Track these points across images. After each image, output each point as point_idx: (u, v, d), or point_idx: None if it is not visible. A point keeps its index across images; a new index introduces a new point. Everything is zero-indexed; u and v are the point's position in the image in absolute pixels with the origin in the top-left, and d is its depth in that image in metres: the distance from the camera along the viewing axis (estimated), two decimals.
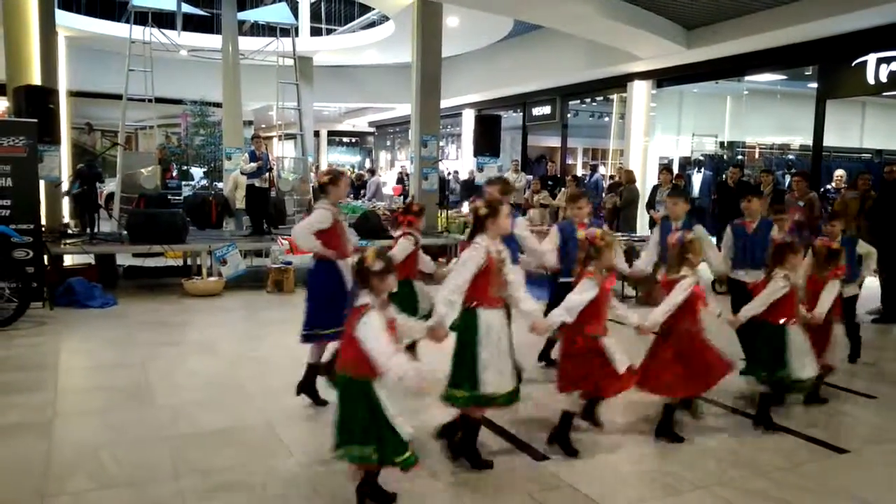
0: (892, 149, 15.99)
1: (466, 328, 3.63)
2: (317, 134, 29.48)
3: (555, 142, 19.99)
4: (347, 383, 3.13)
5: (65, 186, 9.45)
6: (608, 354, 3.84)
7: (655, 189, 11.28)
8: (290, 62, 14.48)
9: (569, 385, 3.96)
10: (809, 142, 12.35)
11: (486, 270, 3.57)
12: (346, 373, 3.13)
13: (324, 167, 27.26)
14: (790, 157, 16.31)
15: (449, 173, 17.77)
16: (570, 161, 20.82)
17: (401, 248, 4.96)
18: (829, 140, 12.49)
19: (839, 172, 11.98)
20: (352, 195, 19.26)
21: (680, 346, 4.09)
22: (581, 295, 3.82)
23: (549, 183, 14.17)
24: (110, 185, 14.36)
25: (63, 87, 12.83)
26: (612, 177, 15.54)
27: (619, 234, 9.83)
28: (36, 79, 8.93)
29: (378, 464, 3.13)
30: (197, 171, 17.57)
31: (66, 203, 10.77)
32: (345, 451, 3.09)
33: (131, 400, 4.77)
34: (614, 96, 17.44)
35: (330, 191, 4.57)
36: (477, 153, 12.07)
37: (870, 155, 16.51)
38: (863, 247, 5.90)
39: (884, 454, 4.19)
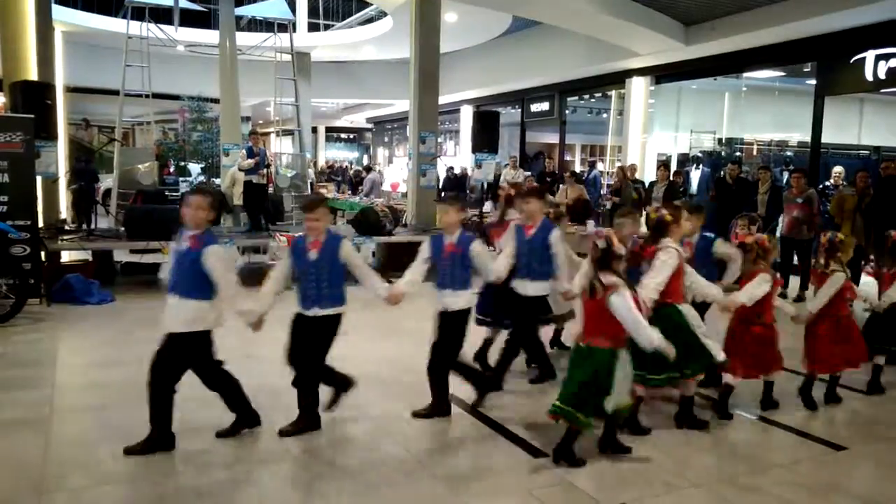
0: (890, 145, 15.99)
1: (672, 321, 4.04)
2: (315, 130, 29.45)
3: (553, 138, 19.98)
4: (591, 352, 3.65)
5: (63, 183, 9.44)
6: (777, 340, 4.58)
7: (652, 185, 11.28)
8: (287, 58, 14.44)
9: (744, 369, 4.51)
10: (808, 138, 12.36)
11: (679, 271, 4.12)
12: (590, 343, 3.65)
13: (322, 163, 27.27)
14: (788, 153, 16.31)
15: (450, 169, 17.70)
16: (568, 157, 20.81)
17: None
18: (828, 137, 12.49)
19: (837, 169, 11.98)
20: (349, 191, 19.29)
21: (836, 330, 4.78)
22: (759, 288, 4.43)
23: (548, 179, 14.15)
24: (107, 182, 14.32)
25: (60, 82, 12.74)
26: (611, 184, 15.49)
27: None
28: (33, 74, 8.89)
29: (585, 426, 3.68)
30: (194, 167, 17.49)
31: (62, 198, 10.73)
32: (565, 411, 3.64)
33: (129, 396, 4.74)
34: (613, 93, 17.42)
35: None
36: (475, 149, 12.04)
37: (868, 152, 16.51)
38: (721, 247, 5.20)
39: (881, 451, 4.20)
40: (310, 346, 4.10)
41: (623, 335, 3.61)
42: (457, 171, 18.73)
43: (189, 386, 3.85)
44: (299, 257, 4.10)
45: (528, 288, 4.89)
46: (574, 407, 3.64)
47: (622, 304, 3.52)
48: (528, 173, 15.49)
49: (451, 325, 4.36)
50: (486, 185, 14.78)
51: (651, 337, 3.55)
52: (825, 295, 4.74)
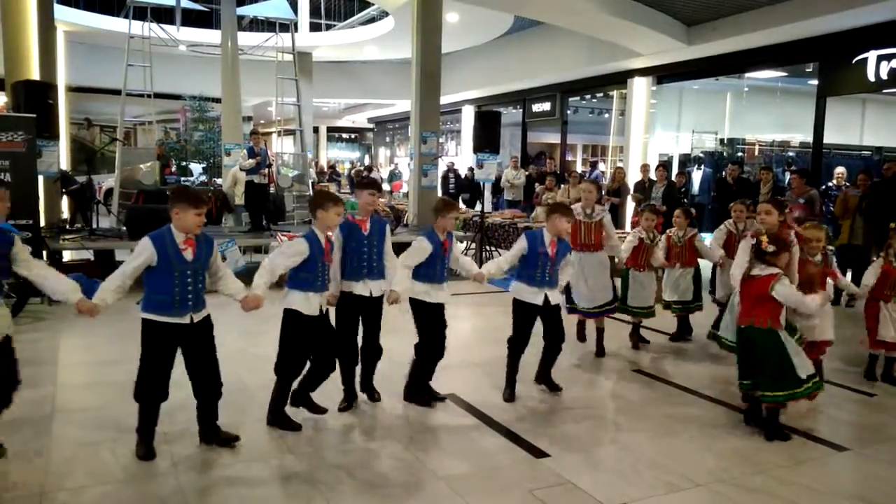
0: (893, 146, 15.97)
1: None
2: (316, 130, 29.44)
3: (554, 138, 19.97)
4: (760, 333, 4.19)
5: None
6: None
7: (651, 186, 11.27)
8: (289, 58, 14.44)
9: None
10: (809, 139, 12.35)
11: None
12: (759, 325, 4.18)
13: (323, 163, 27.28)
14: (790, 154, 16.30)
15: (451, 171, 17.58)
16: (569, 158, 20.80)
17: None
18: (830, 137, 12.48)
19: (839, 169, 11.96)
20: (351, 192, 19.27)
21: None
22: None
23: (554, 181, 14.13)
24: (109, 181, 14.33)
25: (62, 82, 12.79)
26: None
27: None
28: (34, 74, 8.90)
29: (783, 403, 4.22)
30: (196, 167, 17.54)
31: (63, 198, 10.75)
32: (780, 398, 4.17)
33: (130, 396, 4.74)
34: (614, 93, 17.42)
35: None
36: (476, 150, 12.04)
37: (870, 152, 16.50)
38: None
39: (883, 452, 4.19)
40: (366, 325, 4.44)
41: (780, 315, 4.22)
42: (462, 171, 18.17)
43: (189, 385, 3.85)
44: (352, 235, 4.32)
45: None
46: (780, 389, 4.16)
47: (786, 290, 4.15)
48: (528, 173, 15.50)
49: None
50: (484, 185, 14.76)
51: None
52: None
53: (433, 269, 4.52)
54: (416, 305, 4.56)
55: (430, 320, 4.57)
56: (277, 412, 4.17)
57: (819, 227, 5.18)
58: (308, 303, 4.03)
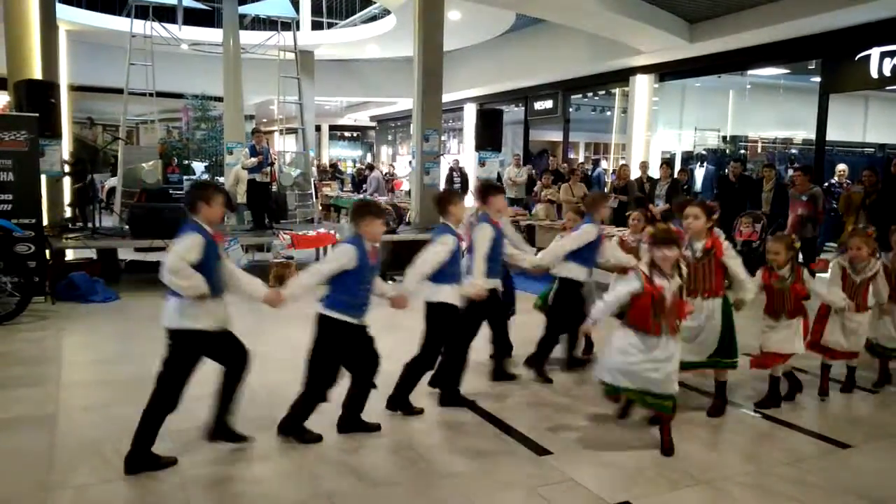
0: None
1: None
2: (318, 128, 29.45)
3: (557, 136, 19.95)
4: None
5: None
6: None
7: (655, 183, 11.25)
8: (291, 56, 14.43)
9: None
10: (812, 136, 12.32)
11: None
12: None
13: (325, 162, 27.28)
14: (793, 151, 16.26)
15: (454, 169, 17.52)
16: (571, 155, 20.77)
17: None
18: (832, 134, 12.44)
19: (841, 167, 11.94)
20: (353, 190, 19.28)
21: None
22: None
23: (551, 178, 14.12)
24: (111, 180, 14.35)
25: (64, 81, 12.78)
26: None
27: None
28: (37, 73, 8.90)
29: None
30: (198, 166, 17.52)
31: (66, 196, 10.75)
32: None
33: (134, 394, 4.74)
34: (617, 90, 17.40)
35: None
36: (479, 148, 12.03)
37: (873, 149, 16.45)
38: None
39: (886, 449, 4.19)
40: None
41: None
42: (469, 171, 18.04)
43: (191, 383, 3.85)
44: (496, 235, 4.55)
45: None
46: None
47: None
48: (532, 170, 15.49)
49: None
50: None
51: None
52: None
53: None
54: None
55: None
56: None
57: (779, 239, 4.72)
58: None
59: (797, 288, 4.60)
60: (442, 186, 13.48)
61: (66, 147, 10.46)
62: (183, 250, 3.47)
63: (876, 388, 5.20)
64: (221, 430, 3.81)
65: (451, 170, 16.65)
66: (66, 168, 9.27)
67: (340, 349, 3.91)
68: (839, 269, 5.01)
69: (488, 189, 4.81)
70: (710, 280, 4.37)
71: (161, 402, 3.57)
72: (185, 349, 3.61)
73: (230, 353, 3.78)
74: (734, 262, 4.43)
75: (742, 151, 16.33)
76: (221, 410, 3.80)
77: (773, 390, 4.76)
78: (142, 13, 13.14)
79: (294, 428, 3.97)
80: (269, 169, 10.23)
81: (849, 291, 4.90)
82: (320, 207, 15.01)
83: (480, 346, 5.01)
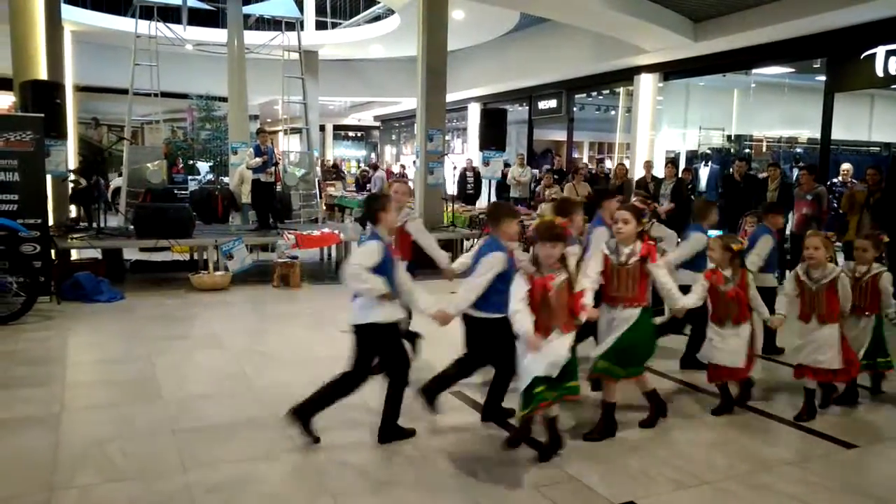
0: None
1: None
2: (322, 128, 29.47)
3: (561, 135, 19.93)
4: None
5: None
6: None
7: (660, 183, 11.23)
8: (295, 56, 14.44)
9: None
10: (817, 135, 12.28)
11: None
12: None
13: (329, 161, 27.30)
14: (798, 150, 16.22)
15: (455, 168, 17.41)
16: (576, 155, 20.76)
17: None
18: (838, 133, 12.41)
19: (845, 166, 11.91)
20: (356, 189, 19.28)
21: None
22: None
23: (555, 177, 14.13)
24: (116, 181, 14.38)
25: (69, 81, 12.79)
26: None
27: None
28: (42, 74, 8.94)
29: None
30: (203, 166, 17.56)
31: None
32: None
33: (138, 394, 4.79)
34: (621, 90, 17.37)
35: None
36: (483, 147, 12.03)
37: (878, 148, 16.41)
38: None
39: (892, 449, 4.17)
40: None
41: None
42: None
43: (196, 383, 3.86)
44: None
45: None
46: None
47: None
48: (536, 171, 15.48)
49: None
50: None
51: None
52: None
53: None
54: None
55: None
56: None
57: (715, 239, 4.57)
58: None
59: (738, 291, 4.42)
60: (449, 188, 13.47)
61: (72, 149, 10.50)
62: (362, 257, 3.78)
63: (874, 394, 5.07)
64: (392, 431, 4.03)
65: (465, 170, 16.57)
66: (72, 176, 9.32)
67: (508, 343, 3.89)
68: (794, 277, 4.62)
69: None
70: (632, 288, 4.10)
71: (399, 381, 3.94)
72: (373, 342, 3.90)
73: (398, 356, 3.99)
74: (660, 272, 4.15)
75: (747, 150, 16.29)
76: (391, 414, 4.01)
77: (808, 401, 4.56)
78: (146, 13, 13.17)
79: (492, 414, 4.23)
80: (273, 169, 10.26)
81: (806, 301, 4.52)
82: (324, 207, 15.04)
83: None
